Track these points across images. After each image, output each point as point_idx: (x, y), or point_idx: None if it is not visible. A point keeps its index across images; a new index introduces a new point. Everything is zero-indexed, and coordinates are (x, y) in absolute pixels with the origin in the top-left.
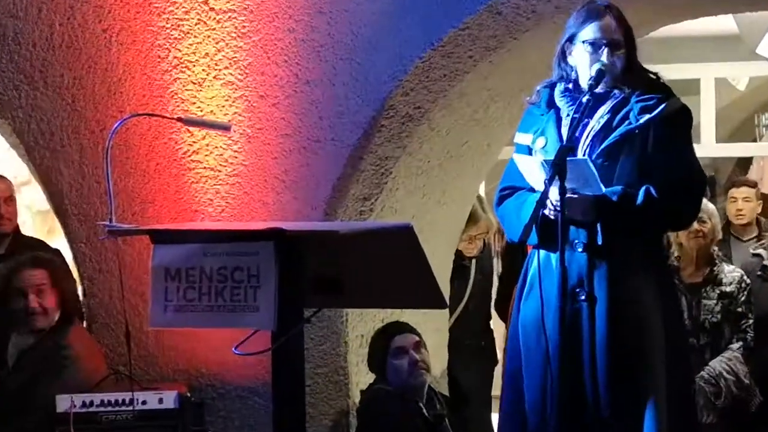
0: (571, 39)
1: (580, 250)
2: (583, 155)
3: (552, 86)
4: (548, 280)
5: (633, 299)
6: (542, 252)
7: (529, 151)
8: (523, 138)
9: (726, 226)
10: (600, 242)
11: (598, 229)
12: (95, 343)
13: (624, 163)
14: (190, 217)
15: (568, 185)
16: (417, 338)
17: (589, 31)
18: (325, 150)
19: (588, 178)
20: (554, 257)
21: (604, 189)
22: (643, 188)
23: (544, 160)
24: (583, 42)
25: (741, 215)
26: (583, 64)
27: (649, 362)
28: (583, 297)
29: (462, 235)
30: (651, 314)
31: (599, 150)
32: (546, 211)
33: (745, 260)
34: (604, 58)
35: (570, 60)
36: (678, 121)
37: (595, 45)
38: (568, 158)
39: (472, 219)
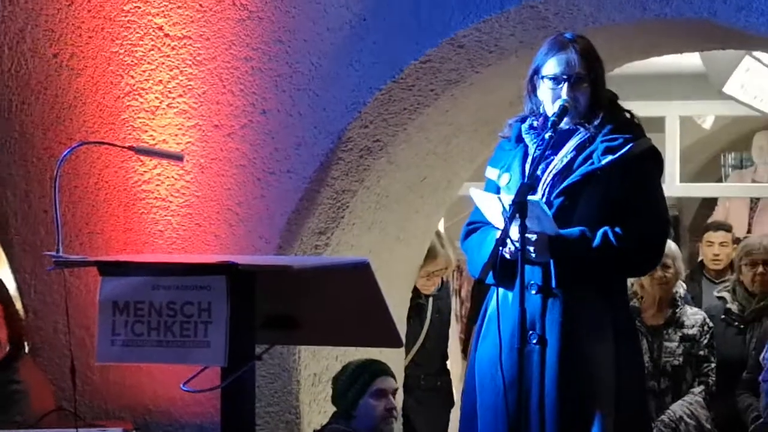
0: (536, 72)
1: (534, 292)
2: (543, 194)
3: (523, 120)
4: (505, 318)
5: (585, 344)
6: (501, 290)
7: (496, 186)
8: (490, 172)
9: (699, 268)
10: (554, 285)
11: (552, 270)
12: (45, 377)
13: (585, 204)
14: (139, 248)
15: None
16: (396, 385)
17: (551, 65)
18: (281, 182)
19: (542, 218)
20: (511, 295)
21: (558, 229)
22: (601, 231)
23: (500, 197)
24: (544, 77)
25: (718, 260)
26: (547, 99)
27: (597, 410)
28: (534, 340)
29: (420, 271)
30: (603, 361)
31: (559, 189)
32: (506, 250)
33: (709, 303)
34: (563, 93)
35: (538, 93)
36: (644, 164)
37: (556, 80)
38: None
39: (431, 255)
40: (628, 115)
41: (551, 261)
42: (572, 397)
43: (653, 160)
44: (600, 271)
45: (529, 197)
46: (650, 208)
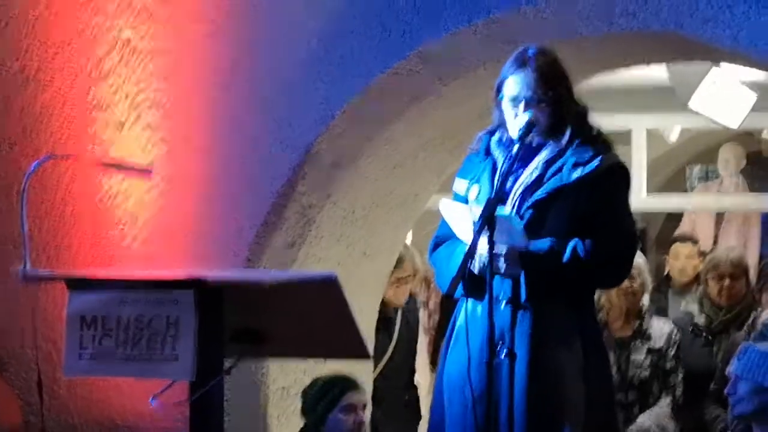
0: (499, 89)
1: (503, 304)
2: (513, 207)
3: (492, 133)
4: (474, 331)
5: (554, 358)
6: (470, 302)
7: (465, 199)
8: (459, 185)
9: (665, 279)
10: (524, 297)
11: (522, 283)
12: (11, 391)
13: (554, 217)
14: (107, 263)
15: (494, 238)
16: (366, 399)
17: (509, 84)
18: (248, 196)
19: (512, 232)
20: (480, 308)
21: (528, 243)
22: (571, 244)
23: (471, 209)
24: (503, 96)
25: (685, 273)
26: (508, 116)
27: (566, 422)
28: (504, 353)
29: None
30: (572, 373)
31: (529, 203)
32: (474, 263)
33: (676, 315)
34: (520, 113)
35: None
36: (612, 179)
37: (514, 100)
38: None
39: (397, 261)
40: (596, 129)
41: (521, 274)
42: (541, 410)
43: (621, 176)
44: (569, 284)
45: (501, 211)
46: (618, 223)
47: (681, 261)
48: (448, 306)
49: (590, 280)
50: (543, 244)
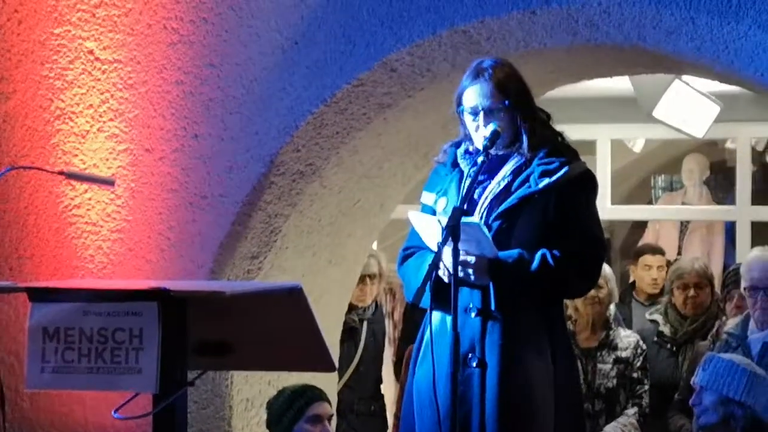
0: (459, 101)
1: (473, 315)
2: (481, 217)
3: (458, 145)
4: (442, 343)
5: (524, 367)
6: (438, 314)
7: (433, 211)
8: (426, 197)
9: (629, 289)
10: (493, 307)
11: (491, 293)
12: None
13: (522, 226)
14: (70, 274)
15: (462, 247)
16: (332, 411)
17: (467, 96)
18: (213, 206)
19: (481, 241)
20: (449, 319)
21: (498, 253)
22: (539, 254)
23: (439, 220)
24: (463, 108)
25: (656, 284)
26: (469, 127)
27: (537, 431)
28: (474, 363)
29: None
30: (542, 382)
31: (497, 212)
32: (440, 273)
33: (642, 326)
34: (480, 123)
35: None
36: (579, 187)
37: (473, 110)
38: (462, 221)
39: None
40: (559, 138)
41: (490, 284)
42: (513, 419)
43: (588, 184)
44: (539, 293)
45: (470, 219)
46: (586, 231)
47: (653, 272)
48: (413, 316)
49: (559, 289)
50: (512, 253)
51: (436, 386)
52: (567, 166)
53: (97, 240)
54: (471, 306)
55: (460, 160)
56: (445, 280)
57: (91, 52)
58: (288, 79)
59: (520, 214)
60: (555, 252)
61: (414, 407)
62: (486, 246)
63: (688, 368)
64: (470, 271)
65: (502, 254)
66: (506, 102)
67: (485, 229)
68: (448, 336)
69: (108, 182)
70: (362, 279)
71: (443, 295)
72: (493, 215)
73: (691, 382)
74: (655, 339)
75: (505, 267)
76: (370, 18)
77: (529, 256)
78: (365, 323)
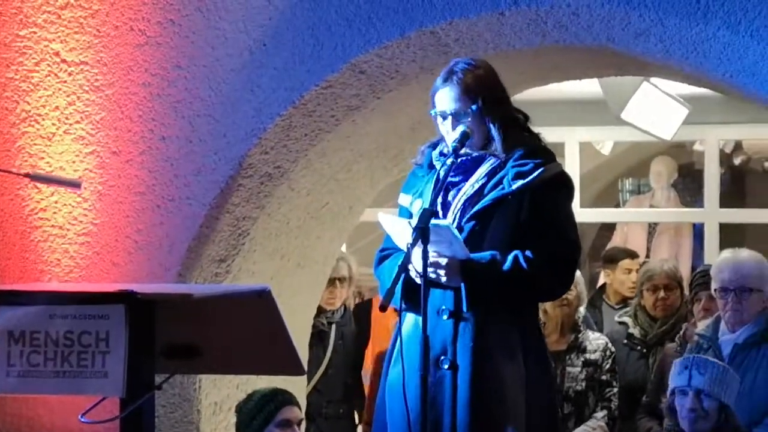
0: (433, 102)
1: (445, 317)
2: (455, 219)
3: (435, 146)
4: (413, 345)
5: (496, 369)
6: (410, 316)
7: (409, 213)
8: (403, 199)
9: (599, 293)
10: (465, 309)
11: (463, 294)
12: None
13: (495, 228)
14: (36, 277)
15: (434, 248)
16: (302, 415)
17: (437, 99)
18: (180, 209)
19: (453, 242)
20: (421, 321)
21: (469, 254)
22: (512, 255)
23: (410, 221)
24: (434, 112)
25: (634, 288)
26: (440, 129)
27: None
28: (446, 366)
29: None
30: (513, 384)
31: (470, 214)
32: (412, 275)
33: (611, 328)
34: (448, 127)
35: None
36: (554, 189)
37: (441, 115)
38: (432, 222)
39: None
40: (537, 139)
41: (462, 285)
42: (484, 421)
43: (563, 185)
44: (511, 295)
45: (440, 221)
46: (560, 233)
47: (633, 276)
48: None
49: (533, 290)
50: (484, 254)
51: (407, 389)
52: (542, 167)
53: (63, 243)
54: (443, 308)
55: (435, 162)
56: (418, 281)
57: (57, 53)
58: (256, 81)
59: (493, 216)
60: (528, 254)
61: (386, 409)
62: (457, 247)
63: (657, 371)
64: (442, 272)
65: (474, 256)
66: (473, 107)
67: (456, 231)
68: (419, 339)
69: (74, 184)
70: (332, 282)
71: (415, 297)
72: (466, 217)
73: (676, 385)
74: (625, 341)
75: (477, 268)
76: (338, 19)
77: (501, 258)
78: (334, 326)
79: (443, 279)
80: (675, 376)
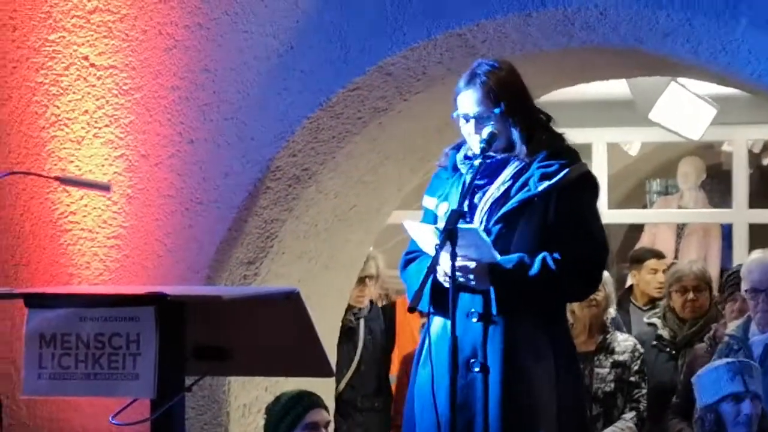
0: (455, 104)
1: (475, 320)
2: (481, 221)
3: (459, 147)
4: (442, 347)
5: (527, 370)
6: (438, 318)
7: (434, 216)
8: (428, 201)
9: (626, 294)
10: (495, 312)
11: (492, 297)
12: None
13: (523, 230)
14: (65, 280)
15: (462, 252)
16: (329, 417)
17: (460, 102)
18: (209, 212)
19: (480, 246)
20: (450, 324)
21: (498, 257)
22: (540, 257)
23: (437, 227)
24: (456, 113)
25: (661, 288)
26: (463, 131)
27: None
28: (477, 368)
29: None
30: (544, 385)
31: (497, 216)
32: (439, 278)
33: (640, 329)
34: (471, 130)
35: None
36: (580, 189)
37: (465, 117)
38: (459, 227)
39: None
40: (561, 140)
41: (491, 288)
42: (516, 423)
43: (589, 185)
44: (540, 297)
45: (468, 225)
46: (587, 233)
47: (660, 276)
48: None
49: (561, 292)
50: (512, 257)
51: (437, 391)
52: (567, 168)
53: (93, 246)
54: (472, 311)
55: (459, 165)
56: (446, 285)
57: (86, 58)
58: (283, 84)
59: (520, 218)
60: (555, 255)
61: (415, 409)
62: (485, 251)
63: (687, 372)
64: (471, 276)
65: (502, 259)
66: (496, 110)
67: (484, 234)
68: (448, 341)
69: (104, 187)
70: (361, 281)
71: (443, 299)
72: (493, 219)
73: (731, 392)
74: (654, 343)
75: (505, 271)
76: (364, 22)
77: (529, 260)
78: (362, 322)
79: (472, 283)
80: (726, 383)
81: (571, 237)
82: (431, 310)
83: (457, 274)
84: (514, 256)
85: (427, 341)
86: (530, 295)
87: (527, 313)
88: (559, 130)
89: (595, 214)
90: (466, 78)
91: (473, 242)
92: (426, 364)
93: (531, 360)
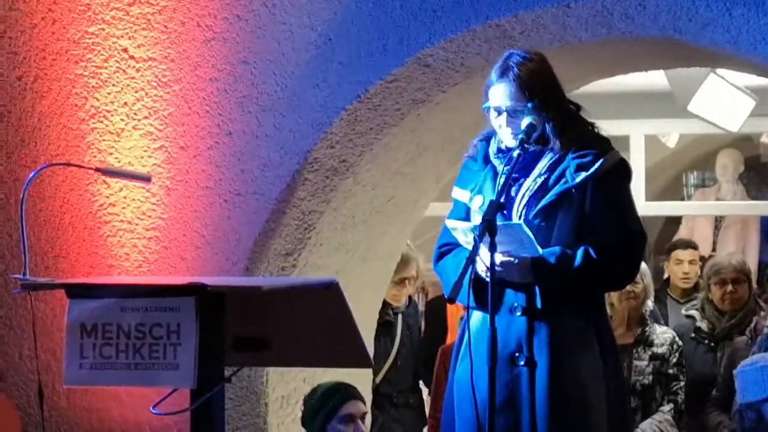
0: (487, 95)
1: (519, 314)
2: (519, 215)
3: (488, 139)
4: (482, 341)
5: (574, 363)
6: (479, 313)
7: (467, 208)
8: (460, 194)
9: (663, 286)
10: (539, 305)
11: (537, 292)
12: (11, 404)
13: (562, 222)
14: (105, 271)
15: (503, 248)
16: (365, 409)
17: (492, 94)
18: (247, 203)
19: (524, 241)
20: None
21: (541, 251)
22: (581, 249)
23: (474, 227)
24: (487, 106)
25: (687, 279)
26: (493, 124)
27: (590, 427)
28: (522, 362)
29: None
30: (592, 376)
31: (536, 210)
32: (479, 271)
33: (678, 322)
34: (503, 123)
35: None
36: (616, 178)
37: (497, 110)
38: (502, 223)
39: (402, 261)
40: (591, 129)
41: (535, 283)
42: (566, 413)
43: (623, 173)
44: (583, 288)
45: (511, 222)
46: (626, 222)
47: (684, 266)
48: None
49: (603, 281)
50: (554, 250)
51: (477, 385)
52: (602, 157)
53: (132, 238)
54: (515, 305)
55: (493, 159)
56: (484, 277)
57: (125, 50)
58: (321, 76)
59: (558, 210)
60: (595, 245)
61: (454, 402)
62: (529, 246)
63: (726, 364)
64: (513, 271)
65: (544, 252)
66: (529, 104)
67: (527, 229)
68: (487, 335)
69: (144, 178)
70: (401, 282)
71: (484, 294)
72: (532, 213)
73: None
74: (693, 335)
75: (549, 266)
76: (403, 13)
77: (571, 253)
78: (400, 317)
79: (516, 279)
80: None
81: (609, 226)
82: (471, 304)
83: (499, 269)
84: (556, 249)
85: (466, 335)
86: (574, 286)
87: (571, 306)
88: (593, 121)
89: (630, 202)
90: (498, 70)
91: (517, 238)
92: (465, 358)
93: (577, 351)
